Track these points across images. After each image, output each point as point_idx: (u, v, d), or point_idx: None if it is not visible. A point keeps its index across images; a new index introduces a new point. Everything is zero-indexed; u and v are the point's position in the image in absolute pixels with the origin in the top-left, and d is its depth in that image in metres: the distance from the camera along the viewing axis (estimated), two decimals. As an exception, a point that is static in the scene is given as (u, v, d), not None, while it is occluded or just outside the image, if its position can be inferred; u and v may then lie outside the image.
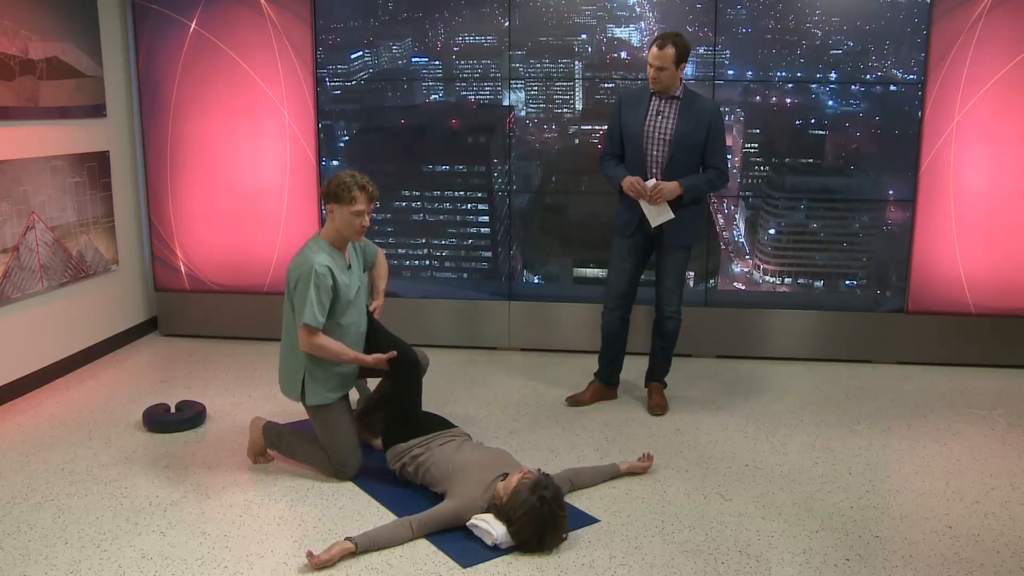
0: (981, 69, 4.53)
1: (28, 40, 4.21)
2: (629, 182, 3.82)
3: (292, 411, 4.08)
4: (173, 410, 3.94)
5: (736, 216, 4.95)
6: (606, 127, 4.10)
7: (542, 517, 2.76)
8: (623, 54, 4.83)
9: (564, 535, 2.87)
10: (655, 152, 3.84)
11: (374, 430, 3.63)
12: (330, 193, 3.18)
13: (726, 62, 4.73)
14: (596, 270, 5.08)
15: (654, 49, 3.71)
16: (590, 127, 4.91)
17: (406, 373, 3.37)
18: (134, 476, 3.39)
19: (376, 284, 3.59)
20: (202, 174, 5.17)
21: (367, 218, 3.22)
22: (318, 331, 3.19)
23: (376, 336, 3.42)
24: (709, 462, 3.56)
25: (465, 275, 5.16)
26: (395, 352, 3.28)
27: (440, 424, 3.43)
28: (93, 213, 4.79)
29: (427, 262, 5.17)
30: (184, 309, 5.33)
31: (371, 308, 3.51)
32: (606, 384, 4.25)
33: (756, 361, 4.92)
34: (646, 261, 4.06)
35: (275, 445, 3.50)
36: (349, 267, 3.32)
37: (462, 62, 4.92)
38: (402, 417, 3.33)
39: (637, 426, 3.95)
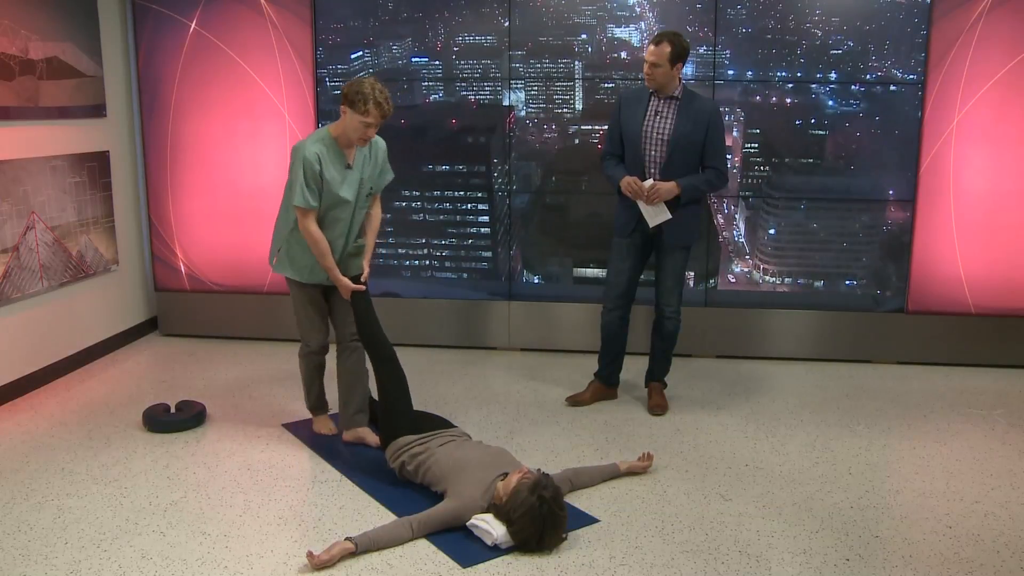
0: (981, 69, 4.54)
1: (28, 40, 4.21)
2: (627, 182, 3.82)
3: (293, 410, 4.09)
4: (173, 410, 3.94)
5: (736, 216, 4.95)
6: (606, 127, 4.10)
7: (542, 517, 2.76)
8: (623, 54, 4.83)
9: (564, 535, 2.87)
10: (653, 152, 3.84)
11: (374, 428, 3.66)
12: (348, 96, 3.24)
13: (726, 62, 4.73)
14: (596, 270, 5.08)
15: (650, 46, 3.73)
16: (590, 127, 4.91)
17: (383, 365, 3.44)
18: (134, 476, 3.39)
19: (366, 239, 3.61)
20: (202, 174, 5.17)
21: (374, 130, 3.31)
22: (310, 214, 3.34)
23: (363, 318, 3.47)
24: (709, 462, 3.56)
25: (465, 275, 5.16)
26: (363, 287, 3.45)
27: (439, 423, 3.43)
28: (93, 213, 4.79)
29: (427, 262, 5.17)
30: (184, 309, 5.33)
31: (362, 279, 3.52)
32: (606, 384, 4.25)
33: (756, 361, 4.92)
34: (645, 261, 4.06)
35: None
36: (349, 167, 3.41)
37: (462, 62, 4.92)
38: (392, 410, 3.36)
39: (637, 426, 3.95)
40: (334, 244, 3.47)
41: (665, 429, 3.92)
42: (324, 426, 3.83)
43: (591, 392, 4.23)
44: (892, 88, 4.66)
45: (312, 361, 3.74)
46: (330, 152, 3.36)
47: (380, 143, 3.56)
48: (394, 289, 5.16)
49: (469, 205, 5.07)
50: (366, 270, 3.56)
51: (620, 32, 4.80)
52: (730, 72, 4.75)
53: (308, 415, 3.96)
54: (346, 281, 3.45)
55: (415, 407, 3.55)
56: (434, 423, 3.42)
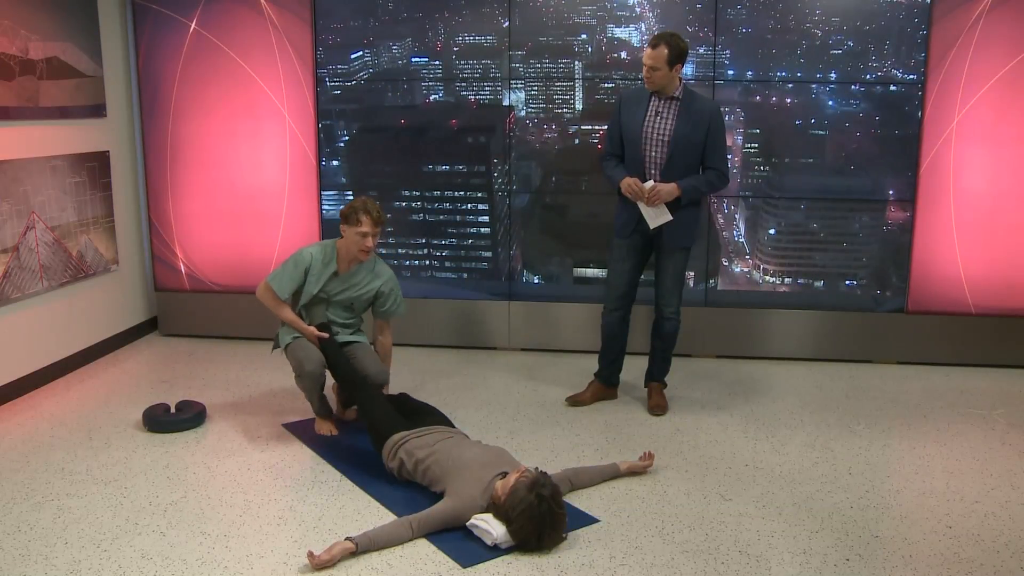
0: (981, 69, 4.54)
1: (28, 40, 4.21)
2: (627, 184, 3.82)
3: (293, 410, 4.09)
4: (173, 410, 3.94)
5: (736, 216, 4.95)
6: (606, 127, 4.10)
7: (540, 515, 2.76)
8: (623, 54, 4.83)
9: (564, 535, 2.87)
10: (653, 153, 3.84)
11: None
12: (343, 215, 3.69)
13: (726, 62, 4.73)
14: (596, 270, 5.08)
15: (648, 49, 3.73)
16: (590, 127, 4.91)
17: (360, 392, 3.59)
18: (134, 476, 3.39)
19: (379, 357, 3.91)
20: (202, 174, 5.17)
21: (371, 240, 3.65)
22: (273, 293, 3.72)
23: (333, 360, 3.71)
24: (709, 462, 3.56)
25: (465, 275, 5.16)
26: (327, 335, 3.73)
27: (434, 418, 3.44)
28: (93, 213, 4.79)
29: (427, 262, 5.17)
30: (184, 309, 5.33)
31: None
32: (606, 384, 4.25)
33: (756, 361, 4.92)
34: (645, 262, 4.06)
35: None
36: (336, 274, 3.75)
37: (462, 62, 4.92)
38: (377, 421, 3.40)
39: (637, 426, 3.95)
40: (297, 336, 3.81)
41: (665, 429, 3.92)
42: (325, 427, 3.84)
43: (591, 392, 4.23)
44: (892, 88, 4.66)
45: (307, 380, 3.73)
46: (326, 258, 3.75)
47: (385, 271, 3.86)
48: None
49: (469, 205, 5.07)
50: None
51: (620, 32, 4.80)
52: (730, 72, 4.75)
53: (308, 415, 3.96)
54: (311, 329, 3.72)
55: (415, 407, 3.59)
56: (427, 416, 3.44)
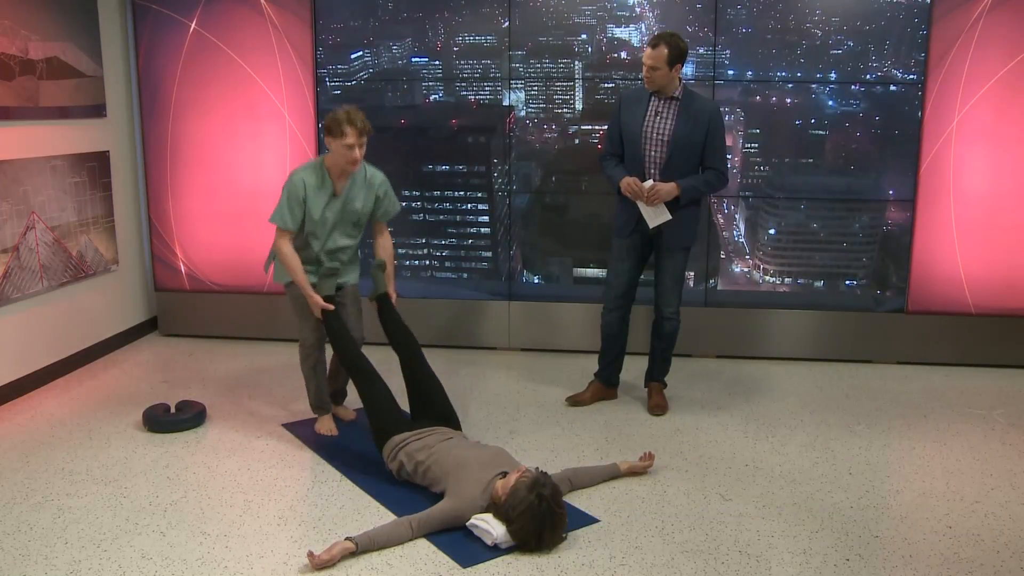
0: (981, 69, 4.54)
1: (28, 40, 4.21)
2: (626, 183, 3.82)
3: (293, 410, 4.09)
4: (173, 410, 3.94)
5: (736, 216, 4.95)
6: (606, 127, 4.10)
7: (540, 515, 2.76)
8: (623, 54, 4.83)
9: (564, 535, 2.87)
10: (653, 153, 3.84)
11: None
12: (326, 127, 3.47)
13: (726, 62, 4.73)
14: (596, 270, 5.08)
15: (648, 49, 3.73)
16: (590, 127, 4.91)
17: (359, 376, 3.53)
18: (134, 476, 3.39)
19: (386, 266, 3.77)
20: (202, 174, 5.17)
21: (358, 151, 3.45)
22: (284, 235, 3.55)
23: (336, 334, 3.61)
24: (709, 462, 3.56)
25: (465, 275, 5.16)
26: (332, 307, 3.59)
27: (436, 419, 3.43)
28: (93, 213, 4.79)
29: (427, 262, 5.17)
30: (184, 309, 5.33)
31: (392, 301, 3.76)
32: (606, 384, 4.25)
33: (756, 361, 4.92)
34: (645, 262, 4.06)
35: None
36: (335, 195, 3.58)
37: (462, 62, 4.92)
38: (378, 415, 3.39)
39: (637, 426, 3.95)
40: (322, 260, 3.66)
41: (665, 429, 3.92)
42: (325, 426, 3.84)
43: (591, 392, 4.23)
44: (892, 88, 4.66)
45: (309, 358, 3.78)
46: (318, 180, 3.55)
47: (377, 176, 3.71)
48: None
49: (469, 205, 5.07)
50: (392, 295, 3.75)
51: (620, 32, 4.80)
52: (730, 72, 4.75)
53: (308, 415, 3.96)
54: (317, 299, 3.58)
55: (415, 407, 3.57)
56: (429, 418, 3.43)
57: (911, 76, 4.63)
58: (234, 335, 5.28)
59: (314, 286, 3.60)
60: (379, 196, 3.70)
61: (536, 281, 5.14)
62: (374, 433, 3.40)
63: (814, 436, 3.84)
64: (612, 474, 3.36)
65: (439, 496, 3.05)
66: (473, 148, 5.03)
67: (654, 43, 3.71)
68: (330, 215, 3.59)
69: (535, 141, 4.97)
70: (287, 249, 3.55)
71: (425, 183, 5.07)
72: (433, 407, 3.51)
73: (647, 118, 3.84)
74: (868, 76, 4.66)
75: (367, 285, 3.77)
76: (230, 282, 5.26)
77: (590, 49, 4.84)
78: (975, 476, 3.44)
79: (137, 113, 5.17)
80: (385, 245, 3.80)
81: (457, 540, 2.87)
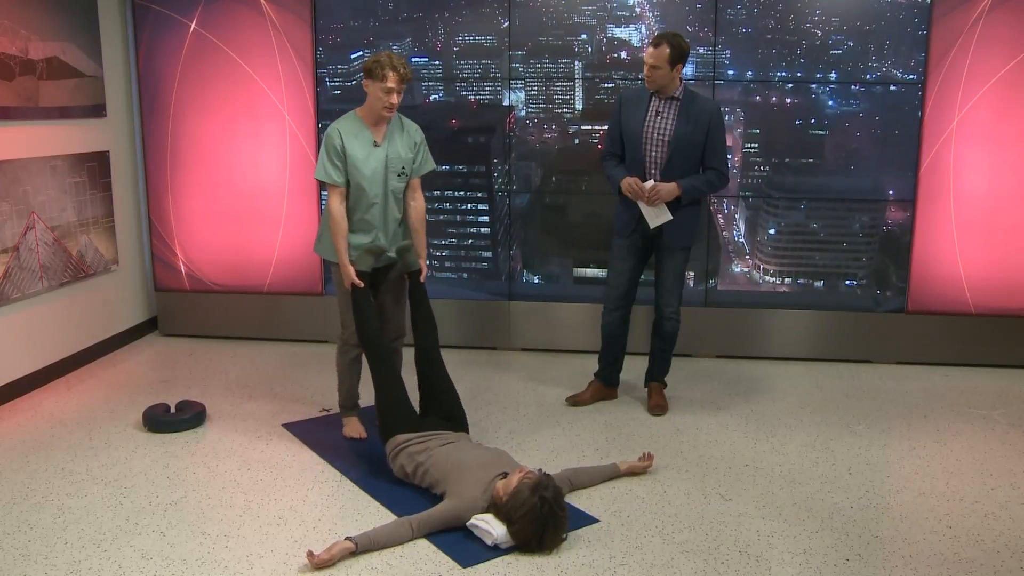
0: (981, 69, 4.53)
1: (28, 40, 4.21)
2: (627, 183, 3.82)
3: (293, 410, 4.09)
4: (173, 410, 3.94)
5: (736, 216, 4.95)
6: (606, 127, 4.10)
7: (543, 517, 2.76)
8: (623, 54, 4.83)
9: (564, 535, 2.87)
10: (654, 153, 3.84)
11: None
12: (367, 68, 3.42)
13: (726, 62, 4.73)
14: (596, 270, 5.08)
15: (649, 48, 3.74)
16: (590, 127, 4.91)
17: (378, 365, 3.49)
18: (134, 476, 3.39)
19: (414, 235, 3.69)
20: (202, 174, 5.17)
21: (396, 97, 3.41)
22: (334, 192, 3.47)
23: (361, 313, 3.52)
24: (709, 462, 3.56)
25: (465, 275, 5.16)
26: (363, 284, 3.47)
27: (444, 419, 3.43)
28: (93, 213, 4.79)
29: (427, 262, 5.15)
30: (184, 309, 5.33)
31: (420, 278, 3.67)
32: (606, 384, 4.25)
33: (756, 361, 4.92)
34: (645, 262, 4.06)
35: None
36: (376, 144, 3.51)
37: (462, 62, 4.92)
38: (388, 408, 3.38)
39: (637, 426, 3.95)
40: (375, 226, 3.55)
41: (665, 429, 3.92)
42: (354, 429, 3.77)
43: (591, 392, 4.23)
44: (892, 88, 4.66)
45: (348, 354, 3.71)
46: (355, 129, 3.49)
47: (415, 128, 3.65)
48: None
49: (469, 205, 5.07)
50: (424, 269, 3.66)
51: (620, 32, 4.80)
52: (730, 72, 4.75)
53: (308, 415, 3.97)
54: (349, 269, 3.47)
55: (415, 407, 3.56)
56: (435, 421, 3.42)
57: (911, 76, 4.63)
58: (234, 335, 5.28)
59: (354, 262, 3.49)
60: (417, 142, 3.63)
61: (536, 281, 5.14)
62: (380, 427, 3.40)
63: (814, 436, 3.84)
64: (612, 474, 3.36)
65: (439, 497, 3.05)
66: (473, 148, 5.03)
67: (656, 42, 3.71)
68: (376, 164, 3.49)
69: (535, 141, 4.97)
70: (336, 209, 3.46)
71: (425, 183, 5.03)
72: (442, 406, 3.50)
73: (648, 118, 3.84)
74: (868, 76, 4.66)
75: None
76: (230, 282, 5.26)
77: (590, 49, 4.84)
78: (975, 476, 3.44)
79: (137, 113, 5.17)
80: (417, 208, 3.67)
81: (457, 540, 2.87)
